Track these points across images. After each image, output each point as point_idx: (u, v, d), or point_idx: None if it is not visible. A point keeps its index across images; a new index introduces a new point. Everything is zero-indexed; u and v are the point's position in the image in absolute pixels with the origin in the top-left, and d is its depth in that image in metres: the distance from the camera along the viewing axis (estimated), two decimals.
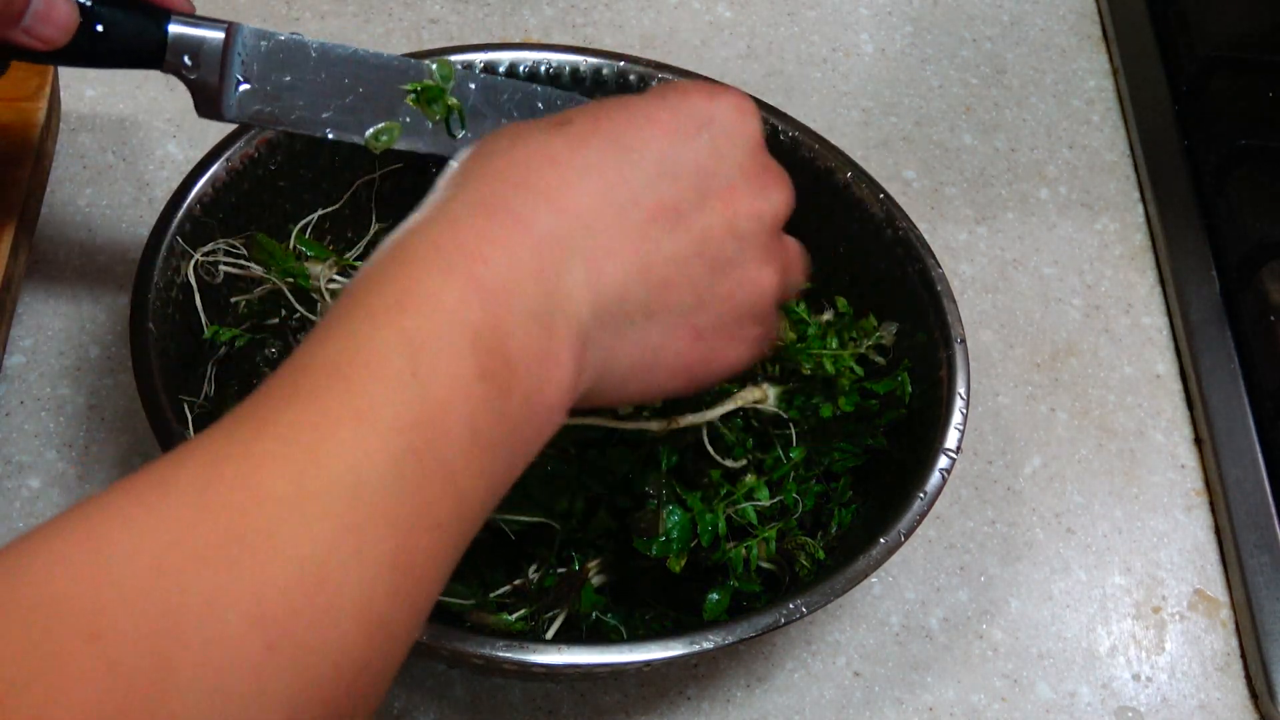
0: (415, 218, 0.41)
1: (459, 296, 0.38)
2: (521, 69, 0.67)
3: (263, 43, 0.54)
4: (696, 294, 0.45)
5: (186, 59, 0.53)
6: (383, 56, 0.56)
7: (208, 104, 0.54)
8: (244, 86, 0.53)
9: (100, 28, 0.52)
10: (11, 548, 0.31)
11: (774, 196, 0.48)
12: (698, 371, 0.47)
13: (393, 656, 0.36)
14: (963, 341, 0.62)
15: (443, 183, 0.43)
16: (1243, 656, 0.67)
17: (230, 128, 0.63)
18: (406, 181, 0.66)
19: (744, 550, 0.57)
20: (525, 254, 0.40)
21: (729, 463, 0.58)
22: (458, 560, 0.38)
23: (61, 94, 0.75)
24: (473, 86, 0.58)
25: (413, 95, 0.56)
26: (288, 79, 0.54)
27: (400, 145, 0.57)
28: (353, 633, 0.33)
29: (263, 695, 0.31)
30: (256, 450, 0.34)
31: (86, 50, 0.52)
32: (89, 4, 0.52)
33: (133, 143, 0.77)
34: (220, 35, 0.53)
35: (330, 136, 0.56)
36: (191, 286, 0.60)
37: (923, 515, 0.56)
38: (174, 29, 0.53)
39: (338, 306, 0.39)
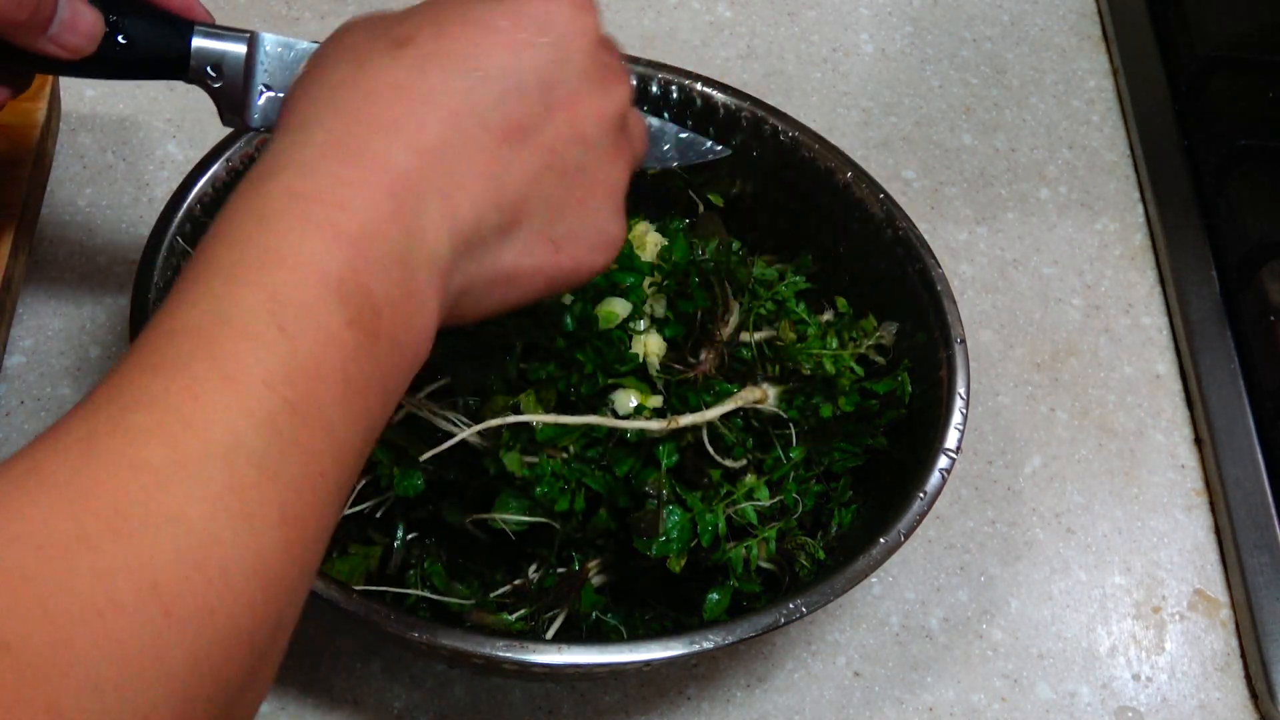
0: (266, 162, 0.41)
1: (321, 247, 0.38)
2: None
3: (285, 51, 0.54)
4: (550, 206, 0.45)
5: (210, 69, 0.54)
6: None
7: (232, 113, 0.55)
8: (267, 95, 0.54)
9: (124, 39, 0.52)
10: None
11: (614, 93, 0.47)
12: (559, 278, 0.47)
13: (289, 610, 0.36)
14: (963, 341, 0.62)
15: (286, 115, 0.43)
16: (1243, 656, 0.67)
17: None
18: None
19: (744, 550, 0.57)
20: (382, 197, 0.40)
21: (729, 463, 0.58)
22: (343, 508, 0.39)
23: (61, 94, 0.75)
24: None
25: None
26: None
27: None
28: (248, 591, 0.33)
29: (163, 660, 0.31)
30: (128, 423, 0.34)
31: (111, 61, 0.53)
32: (113, 16, 0.52)
33: (133, 143, 0.77)
34: (243, 45, 0.54)
35: None
36: None
37: (923, 515, 0.56)
38: (197, 40, 0.53)
39: (196, 264, 0.38)
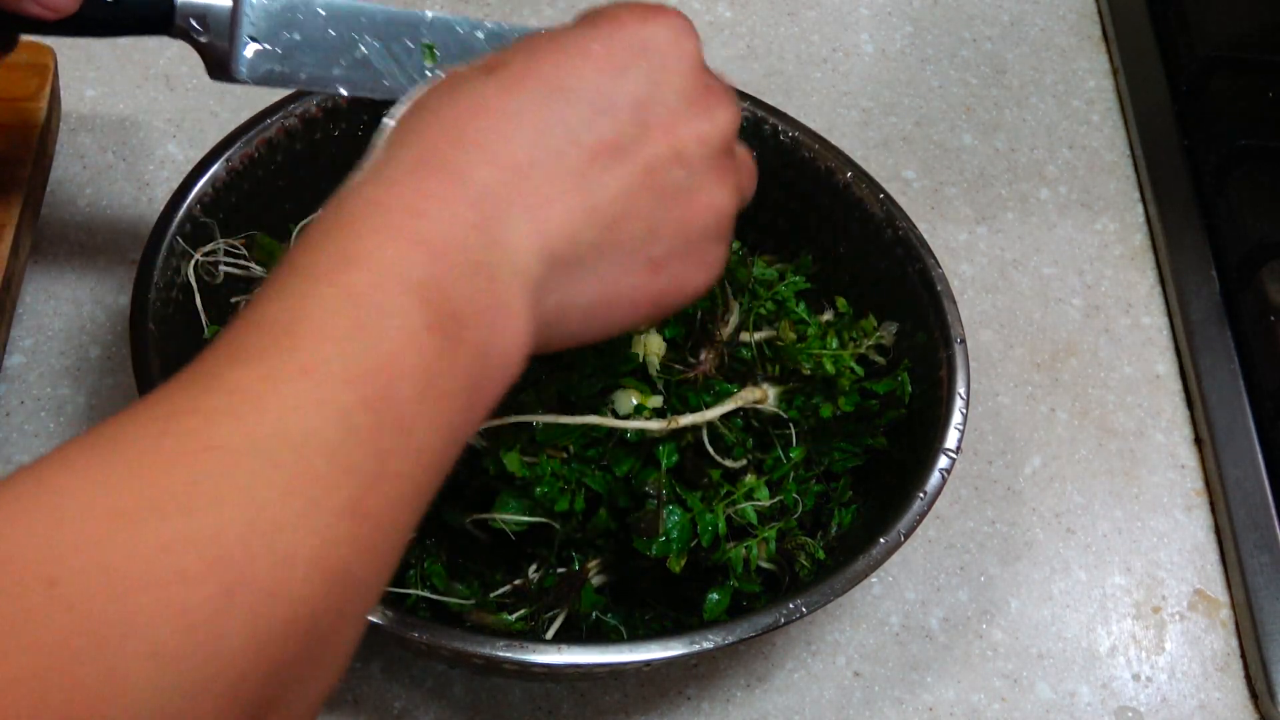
0: (355, 178, 0.42)
1: (399, 251, 0.39)
2: None
3: (270, 2, 0.54)
4: (648, 226, 0.45)
5: (195, 23, 0.53)
6: (390, 11, 0.56)
7: (219, 67, 0.54)
8: (253, 47, 0.54)
9: None
10: None
11: (718, 116, 0.47)
12: (662, 301, 0.47)
13: (356, 605, 0.36)
14: (963, 341, 0.62)
15: (381, 142, 0.43)
16: (1243, 656, 0.67)
17: (229, 127, 0.63)
18: None
19: (744, 550, 0.57)
20: (464, 208, 0.40)
21: (729, 463, 0.58)
22: (421, 512, 0.39)
23: (61, 94, 0.75)
24: (480, 36, 0.58)
25: (425, 51, 0.56)
26: (297, 37, 0.54)
27: None
28: (312, 579, 0.34)
29: (222, 637, 0.31)
30: (206, 405, 0.34)
31: (95, 19, 0.52)
32: None
33: (133, 143, 0.77)
34: None
35: (344, 93, 0.56)
36: (191, 286, 0.59)
37: (923, 515, 0.56)
38: None
39: (280, 268, 0.39)
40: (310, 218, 0.65)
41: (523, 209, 0.41)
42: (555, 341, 0.44)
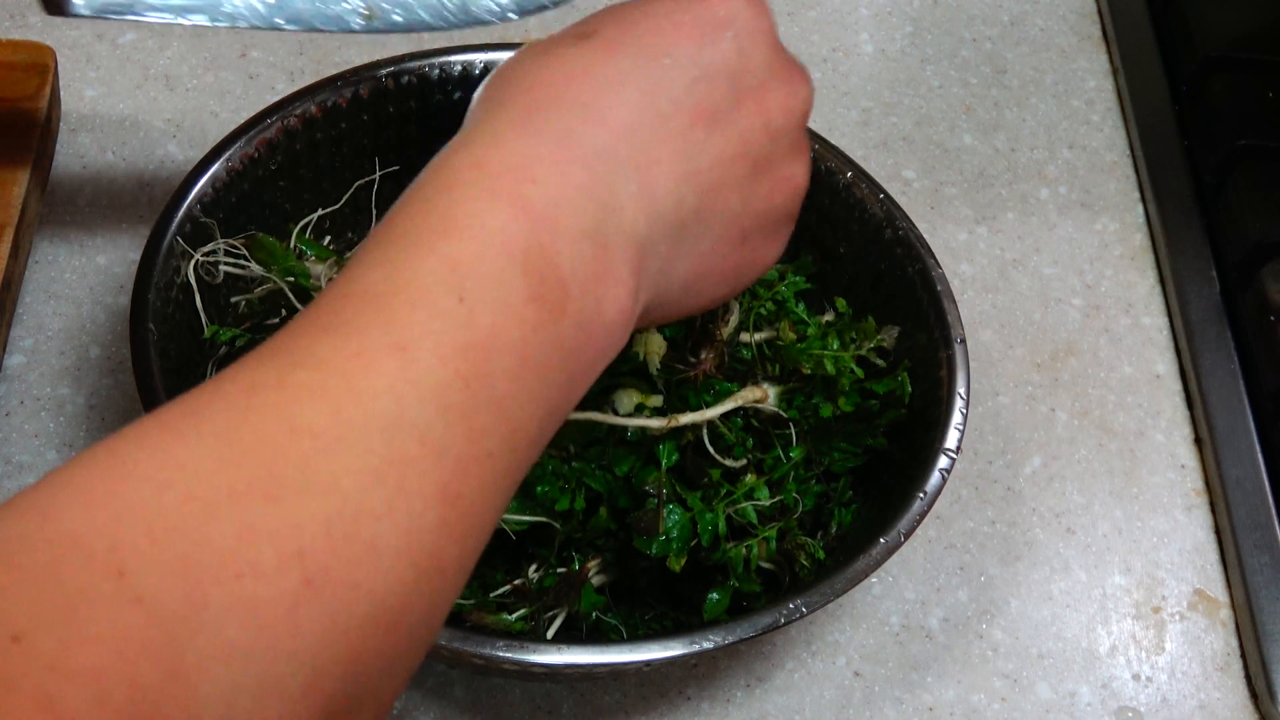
0: (455, 140, 0.40)
1: (506, 218, 0.37)
2: None
3: None
4: (741, 196, 0.45)
5: None
6: None
7: (54, 1, 0.52)
8: None
9: None
10: (38, 484, 0.30)
11: (801, 91, 0.47)
12: (741, 275, 0.47)
13: (442, 594, 0.35)
14: (963, 342, 0.62)
15: (475, 105, 0.43)
16: (1243, 656, 0.67)
17: (229, 127, 0.63)
18: (406, 182, 0.66)
19: (744, 550, 0.57)
20: (575, 170, 0.39)
21: (729, 462, 0.58)
22: (513, 491, 0.37)
23: (61, 94, 0.75)
24: None
25: None
26: None
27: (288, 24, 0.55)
28: (398, 569, 0.32)
29: (300, 631, 0.30)
30: (292, 381, 0.33)
31: None
32: None
33: (133, 143, 0.77)
34: None
35: (185, 21, 0.53)
36: (191, 286, 0.59)
37: (923, 515, 0.56)
38: None
39: (379, 232, 0.37)
40: (308, 219, 0.65)
41: (631, 170, 0.41)
42: (653, 315, 0.44)
